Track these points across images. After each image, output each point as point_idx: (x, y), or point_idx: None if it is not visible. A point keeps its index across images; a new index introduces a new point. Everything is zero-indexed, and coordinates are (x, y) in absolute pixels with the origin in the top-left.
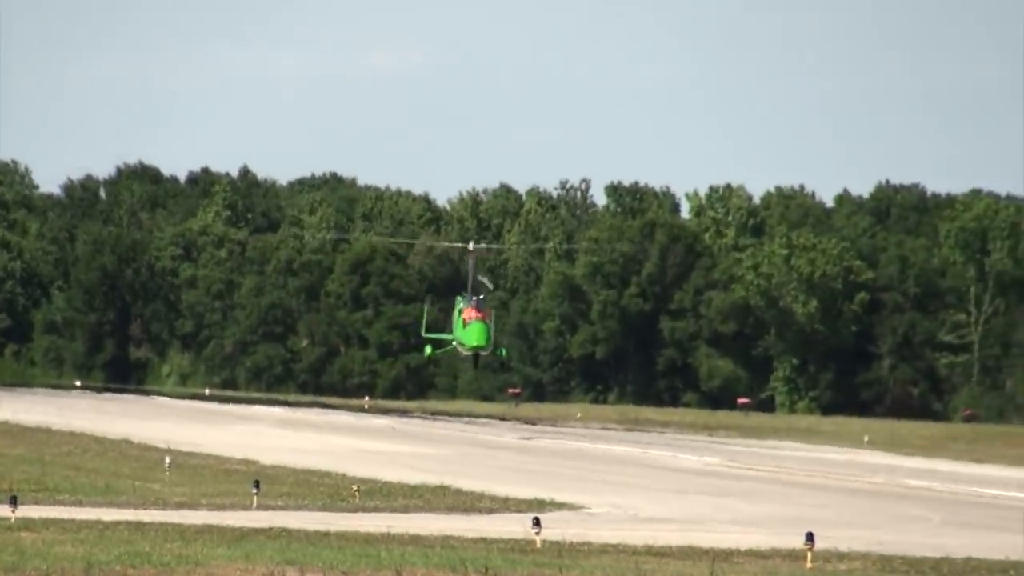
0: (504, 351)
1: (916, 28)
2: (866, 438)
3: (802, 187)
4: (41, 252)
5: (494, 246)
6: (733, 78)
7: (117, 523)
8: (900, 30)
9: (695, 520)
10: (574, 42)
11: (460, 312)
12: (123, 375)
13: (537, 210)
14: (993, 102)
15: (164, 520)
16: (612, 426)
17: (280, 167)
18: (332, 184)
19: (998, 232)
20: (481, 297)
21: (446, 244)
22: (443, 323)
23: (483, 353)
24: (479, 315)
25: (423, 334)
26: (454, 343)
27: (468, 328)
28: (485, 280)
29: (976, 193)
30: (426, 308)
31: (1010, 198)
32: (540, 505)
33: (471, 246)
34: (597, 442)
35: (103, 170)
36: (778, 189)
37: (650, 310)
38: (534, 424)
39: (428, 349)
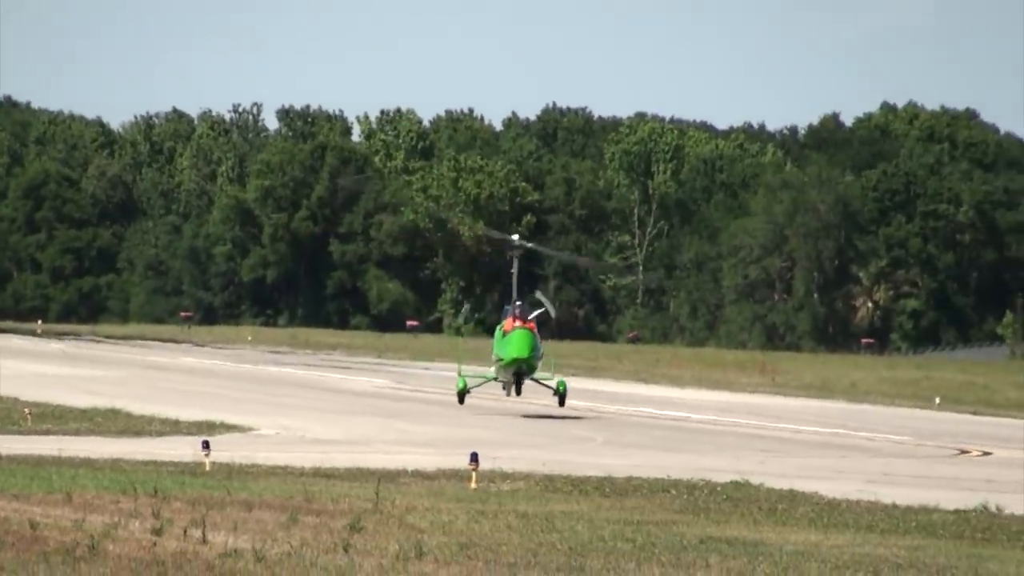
0: (563, 385)
1: None
2: None
3: (471, 110)
4: None
5: (538, 247)
6: (404, 2)
7: None
8: None
9: (363, 441)
10: None
11: (502, 327)
12: None
13: (209, 134)
14: (656, 26)
15: None
16: (282, 348)
17: None
18: (6, 108)
19: (661, 155)
20: (520, 304)
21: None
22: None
23: (526, 371)
24: (523, 324)
25: (460, 367)
26: (493, 368)
27: (507, 338)
28: (544, 299)
29: (641, 116)
30: (460, 341)
31: (673, 121)
32: (210, 428)
33: (515, 239)
34: (267, 364)
35: None
36: (448, 112)
37: (320, 233)
38: (204, 346)
39: (461, 382)
